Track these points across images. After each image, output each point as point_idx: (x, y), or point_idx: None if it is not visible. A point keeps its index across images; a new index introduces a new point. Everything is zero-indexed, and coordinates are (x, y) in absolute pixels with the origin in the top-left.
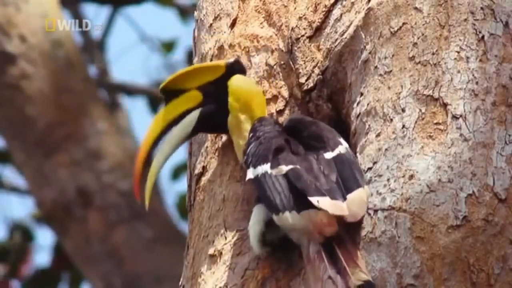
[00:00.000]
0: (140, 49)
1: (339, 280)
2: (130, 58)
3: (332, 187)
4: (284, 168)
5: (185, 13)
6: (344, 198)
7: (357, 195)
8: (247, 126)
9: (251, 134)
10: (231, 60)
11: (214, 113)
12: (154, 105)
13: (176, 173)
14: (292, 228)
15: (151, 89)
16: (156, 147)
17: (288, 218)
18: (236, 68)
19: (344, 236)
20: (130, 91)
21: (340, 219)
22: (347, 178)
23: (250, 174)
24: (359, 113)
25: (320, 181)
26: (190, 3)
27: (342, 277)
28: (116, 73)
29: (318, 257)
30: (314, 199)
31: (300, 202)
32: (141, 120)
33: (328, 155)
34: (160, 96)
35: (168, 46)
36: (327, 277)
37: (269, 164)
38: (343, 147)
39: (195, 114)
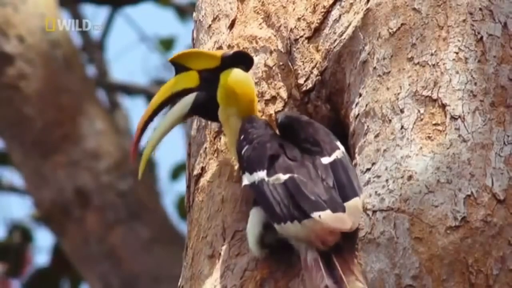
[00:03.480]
0: (139, 49)
1: None
2: (130, 58)
3: (332, 196)
4: (282, 177)
5: (184, 12)
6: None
7: (354, 205)
8: (234, 121)
9: (242, 136)
10: (229, 52)
11: (207, 101)
12: None
13: (176, 173)
14: (295, 237)
15: (150, 88)
16: (157, 115)
17: (291, 228)
18: (234, 61)
19: (341, 243)
20: (130, 90)
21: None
22: (343, 185)
23: (246, 180)
24: (358, 114)
25: (319, 189)
26: (188, 2)
27: (338, 286)
28: (115, 73)
29: (315, 265)
30: (316, 214)
31: (301, 210)
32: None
33: (325, 160)
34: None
35: (167, 44)
36: (324, 286)
37: (265, 172)
38: (340, 151)
39: (190, 98)
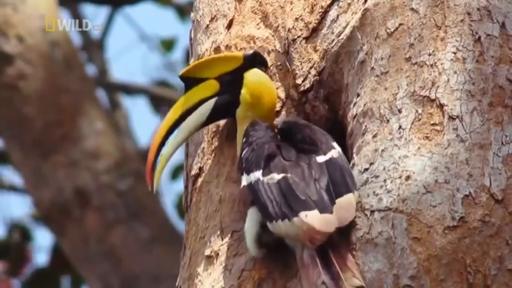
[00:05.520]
0: (139, 48)
1: (332, 285)
2: (130, 57)
3: (322, 196)
4: (276, 177)
5: (184, 12)
6: (333, 203)
7: (346, 200)
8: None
9: (244, 139)
10: (250, 52)
11: (229, 103)
12: (155, 104)
13: (175, 173)
14: (285, 235)
15: (150, 88)
16: (171, 134)
17: (281, 226)
18: (254, 60)
19: (337, 240)
20: (130, 90)
21: None
22: (337, 183)
23: (244, 181)
24: (356, 114)
25: (311, 189)
26: (188, 2)
27: (336, 283)
28: (115, 73)
29: (311, 262)
30: (303, 214)
31: (291, 209)
32: (140, 119)
33: (320, 158)
34: (160, 95)
35: (168, 45)
36: (321, 283)
37: (261, 171)
38: (335, 151)
39: (210, 104)
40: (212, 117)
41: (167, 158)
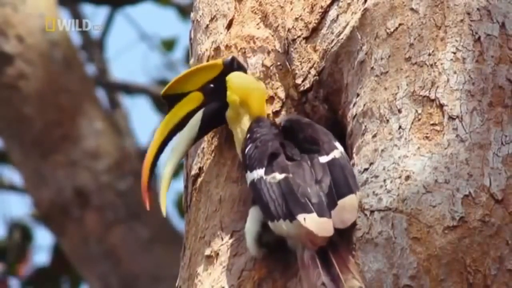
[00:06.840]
0: (139, 48)
1: (332, 287)
2: (130, 57)
3: (321, 199)
4: (278, 177)
5: (184, 11)
6: (335, 205)
7: (348, 201)
8: (245, 120)
9: (248, 135)
10: (228, 58)
11: (216, 110)
12: (157, 103)
13: (175, 173)
14: (286, 235)
15: (151, 88)
16: (162, 152)
17: (282, 226)
18: (234, 65)
19: (337, 241)
20: (130, 90)
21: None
22: (339, 184)
23: (247, 178)
24: (356, 114)
25: (311, 191)
26: (188, 2)
27: (335, 284)
28: (115, 72)
29: (312, 263)
30: (301, 217)
31: (291, 211)
32: (141, 119)
33: (323, 159)
34: (161, 94)
35: (168, 45)
36: (321, 284)
37: (263, 170)
38: (338, 151)
39: (198, 116)
40: (203, 129)
41: (168, 181)
